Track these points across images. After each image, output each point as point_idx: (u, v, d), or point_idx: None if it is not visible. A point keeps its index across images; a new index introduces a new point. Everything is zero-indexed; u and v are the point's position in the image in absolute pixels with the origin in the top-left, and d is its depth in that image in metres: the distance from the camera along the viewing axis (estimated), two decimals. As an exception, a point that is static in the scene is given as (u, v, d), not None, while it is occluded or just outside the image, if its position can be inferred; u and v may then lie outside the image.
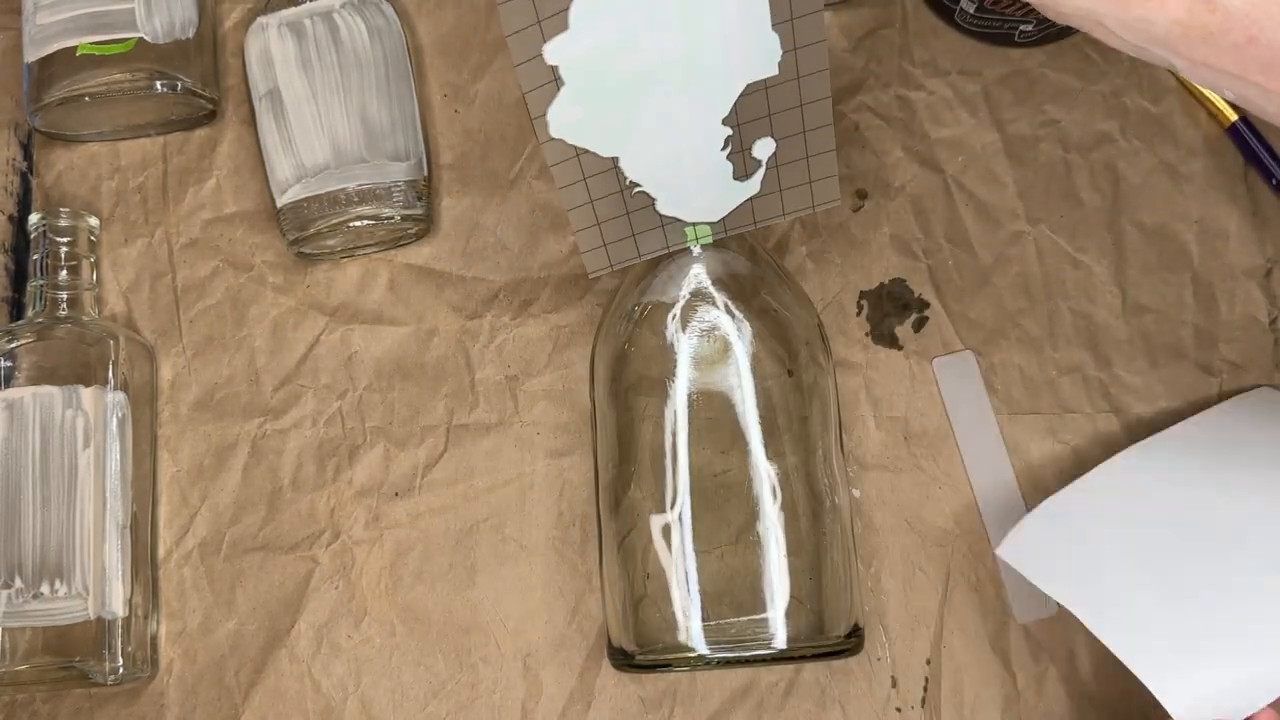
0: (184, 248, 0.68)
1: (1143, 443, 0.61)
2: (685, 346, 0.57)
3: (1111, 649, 0.53)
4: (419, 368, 0.65)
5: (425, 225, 0.66)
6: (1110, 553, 0.57)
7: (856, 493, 0.62)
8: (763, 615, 0.55)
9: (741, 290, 0.58)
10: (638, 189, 0.55)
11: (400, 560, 0.63)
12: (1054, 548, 0.58)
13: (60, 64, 0.64)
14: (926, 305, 0.65)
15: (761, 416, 0.56)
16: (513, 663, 0.62)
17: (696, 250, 0.58)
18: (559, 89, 0.51)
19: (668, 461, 0.56)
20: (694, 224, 0.57)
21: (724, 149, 0.54)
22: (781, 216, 0.57)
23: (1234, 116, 0.65)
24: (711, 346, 0.57)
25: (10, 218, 0.69)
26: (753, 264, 0.59)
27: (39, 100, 0.64)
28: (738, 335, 0.57)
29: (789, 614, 0.55)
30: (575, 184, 0.55)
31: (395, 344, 0.66)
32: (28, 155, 0.70)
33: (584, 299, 0.65)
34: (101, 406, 0.61)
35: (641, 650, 0.56)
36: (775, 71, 0.52)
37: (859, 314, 0.65)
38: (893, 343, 0.64)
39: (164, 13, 0.65)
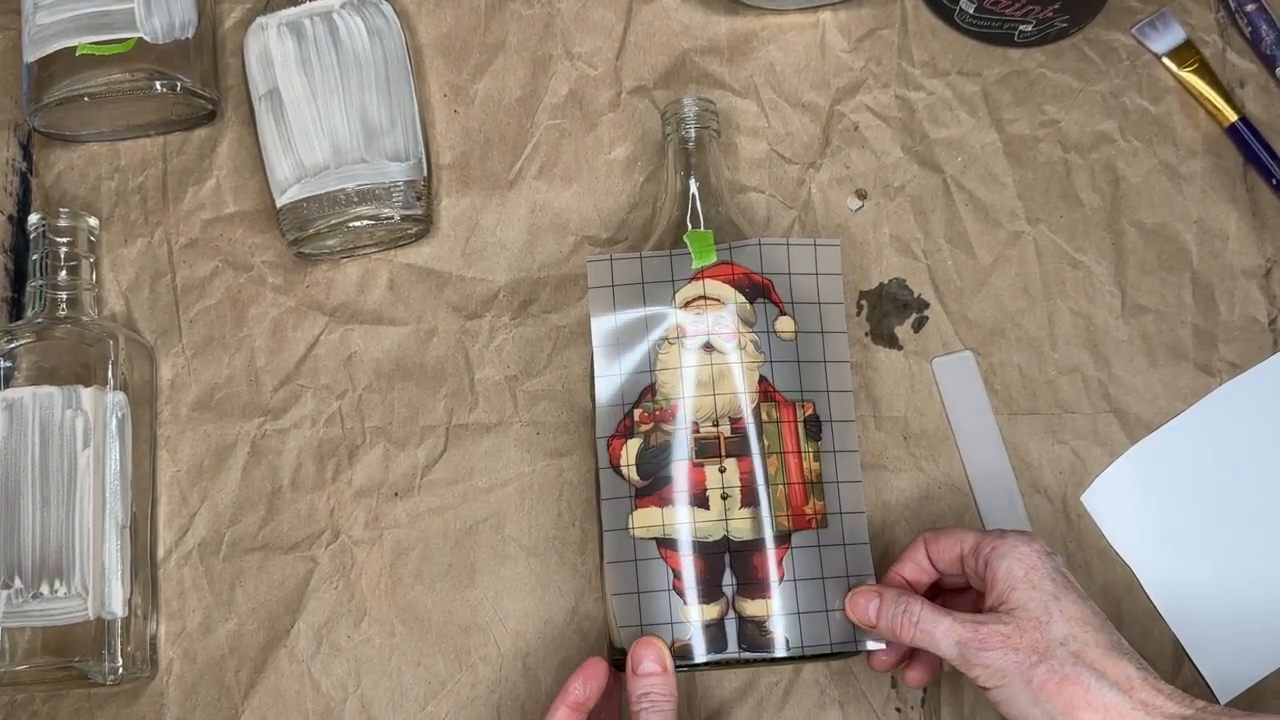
0: (184, 248, 0.68)
1: (1232, 382, 0.62)
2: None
3: (1161, 612, 0.59)
4: (419, 368, 0.65)
5: (425, 225, 0.66)
6: (1178, 509, 0.61)
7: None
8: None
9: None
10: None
11: (400, 560, 0.63)
12: (1130, 501, 0.61)
13: (60, 64, 0.64)
14: (926, 305, 0.65)
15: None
16: (512, 663, 0.62)
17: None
18: None
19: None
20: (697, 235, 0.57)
21: None
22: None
23: (1233, 117, 0.65)
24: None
25: (10, 218, 0.69)
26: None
27: (39, 100, 0.64)
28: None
29: (788, 614, 0.55)
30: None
31: (395, 344, 0.66)
32: (27, 155, 0.70)
33: (583, 299, 0.65)
34: (101, 406, 0.61)
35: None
36: None
37: (859, 314, 0.65)
38: (892, 343, 0.64)
39: (163, 13, 0.65)
